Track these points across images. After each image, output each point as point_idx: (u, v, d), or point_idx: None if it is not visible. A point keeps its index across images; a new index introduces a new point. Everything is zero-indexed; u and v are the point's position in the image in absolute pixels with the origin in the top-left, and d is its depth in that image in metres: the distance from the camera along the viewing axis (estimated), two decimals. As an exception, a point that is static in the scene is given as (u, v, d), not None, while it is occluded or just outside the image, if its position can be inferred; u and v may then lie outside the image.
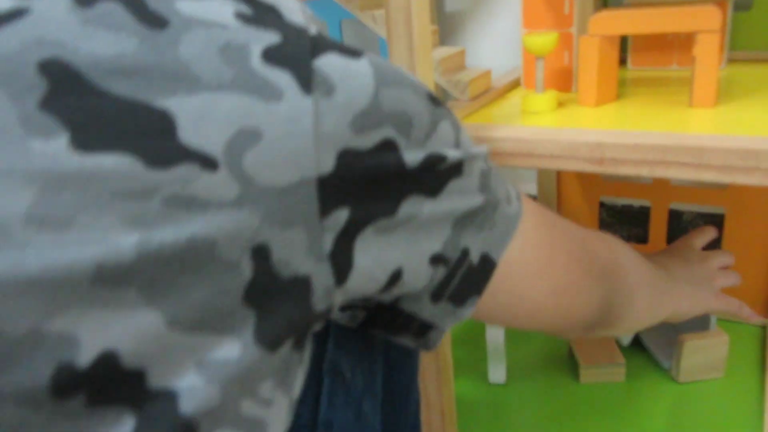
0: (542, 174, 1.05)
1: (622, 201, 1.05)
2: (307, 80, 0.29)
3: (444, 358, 0.72)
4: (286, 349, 0.31)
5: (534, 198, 1.11)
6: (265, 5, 0.31)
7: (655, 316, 0.59)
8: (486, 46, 1.08)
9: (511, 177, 1.12)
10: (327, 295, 0.32)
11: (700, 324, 0.86)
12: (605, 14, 0.65)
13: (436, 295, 0.38)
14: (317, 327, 0.34)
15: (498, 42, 1.07)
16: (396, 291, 0.36)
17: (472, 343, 0.98)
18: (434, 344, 0.43)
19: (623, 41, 0.88)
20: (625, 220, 1.06)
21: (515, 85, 0.81)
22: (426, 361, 0.72)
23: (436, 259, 0.36)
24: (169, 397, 0.26)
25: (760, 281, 0.94)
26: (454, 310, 0.40)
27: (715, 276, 0.69)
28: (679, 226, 1.02)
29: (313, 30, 0.32)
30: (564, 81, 0.75)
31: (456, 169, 0.36)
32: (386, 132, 0.32)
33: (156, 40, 0.27)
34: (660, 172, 0.52)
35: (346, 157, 0.30)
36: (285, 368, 0.31)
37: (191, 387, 0.27)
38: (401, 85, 0.33)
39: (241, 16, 0.30)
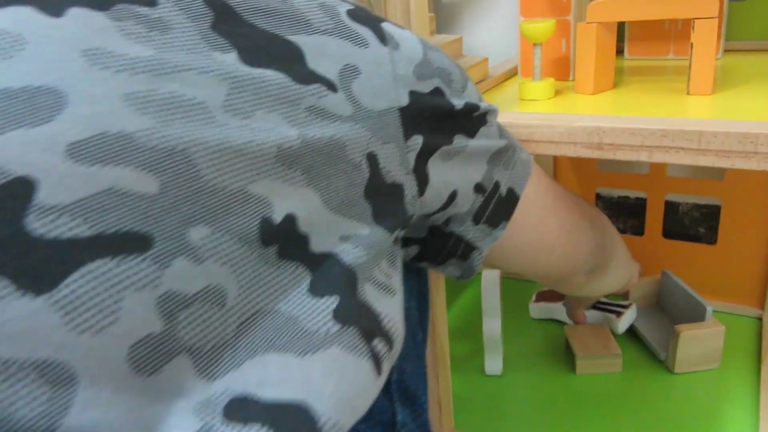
0: (538, 164, 1.04)
1: (618, 192, 1.05)
2: (381, 36, 0.39)
3: (441, 350, 0.72)
4: (393, 238, 0.38)
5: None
6: None
7: (625, 275, 0.71)
8: (482, 35, 1.08)
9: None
10: (413, 203, 0.40)
11: (696, 315, 0.86)
12: (603, 1, 0.64)
13: (477, 217, 0.47)
14: (405, 232, 0.41)
15: (494, 32, 1.07)
16: (450, 211, 0.45)
17: (469, 335, 0.98)
18: (476, 267, 0.51)
19: (620, 31, 0.88)
20: (621, 212, 1.06)
21: (512, 74, 0.81)
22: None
23: (478, 188, 0.46)
24: (330, 256, 0.34)
25: (755, 273, 0.94)
26: (491, 231, 0.48)
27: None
28: (675, 217, 1.02)
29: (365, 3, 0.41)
30: (561, 69, 0.75)
31: (483, 117, 0.45)
32: (436, 82, 0.41)
33: None
34: (659, 157, 0.51)
35: (414, 95, 0.39)
36: (393, 254, 0.39)
37: (344, 249, 0.34)
38: (439, 51, 0.43)
39: None
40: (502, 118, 0.58)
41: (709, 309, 0.84)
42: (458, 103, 0.42)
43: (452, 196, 0.44)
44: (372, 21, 0.39)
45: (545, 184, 0.54)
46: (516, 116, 0.58)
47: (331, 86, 0.34)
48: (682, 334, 0.82)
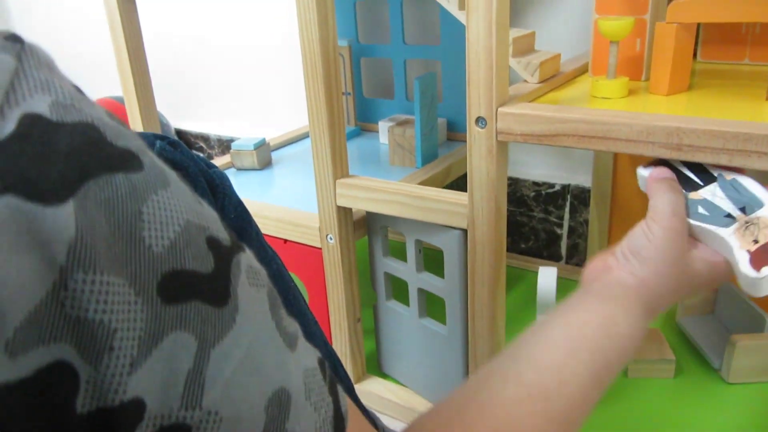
0: (598, 166, 1.04)
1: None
2: None
3: (497, 341, 0.72)
4: None
5: (587, 191, 1.10)
6: None
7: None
8: (553, 29, 1.07)
9: (566, 168, 1.11)
10: None
11: (754, 325, 0.84)
12: (684, 1, 0.64)
13: None
14: None
15: (566, 26, 1.06)
16: None
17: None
18: None
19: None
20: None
21: (583, 71, 0.80)
22: (480, 343, 0.72)
23: None
24: None
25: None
26: None
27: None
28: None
29: None
30: (634, 69, 0.74)
31: None
32: None
33: None
34: (739, 161, 0.51)
35: None
36: None
37: None
38: None
39: None
40: (579, 114, 0.58)
41: (769, 320, 0.82)
42: None
43: None
44: None
45: None
46: (595, 113, 0.58)
47: None
48: (738, 344, 0.81)
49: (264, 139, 1.09)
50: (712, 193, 0.53)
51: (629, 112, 0.57)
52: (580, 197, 1.12)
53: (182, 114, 1.67)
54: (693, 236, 0.53)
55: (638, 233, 0.52)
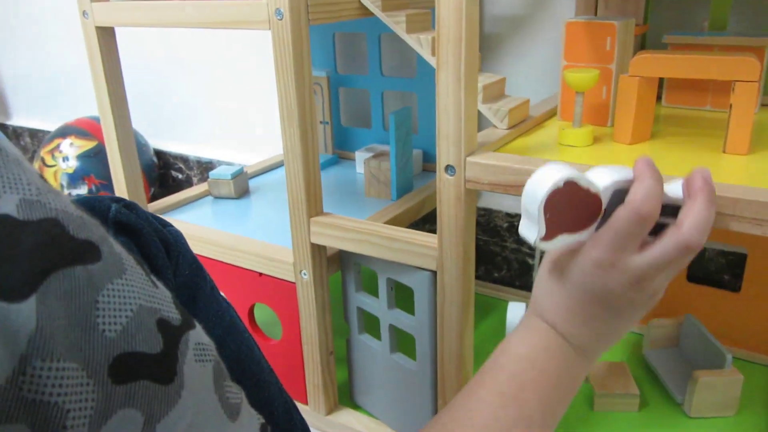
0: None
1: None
2: None
3: (465, 378, 0.74)
4: None
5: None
6: None
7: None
8: (522, 74, 1.10)
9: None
10: None
11: (715, 361, 0.87)
12: (647, 56, 0.66)
13: None
14: None
15: (535, 70, 1.09)
16: None
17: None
18: None
19: (660, 79, 0.89)
20: (646, 252, 1.07)
21: (552, 114, 0.83)
22: (449, 382, 0.74)
23: None
24: None
25: (777, 323, 0.95)
26: None
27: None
28: (701, 262, 1.03)
29: None
30: (601, 115, 0.77)
31: None
32: None
33: None
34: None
35: None
36: None
37: None
38: None
39: None
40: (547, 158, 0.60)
41: (729, 357, 0.85)
42: None
43: None
44: None
45: None
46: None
47: None
48: (700, 380, 0.83)
49: (242, 168, 1.10)
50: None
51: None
52: (552, 229, 1.14)
53: (162, 135, 1.67)
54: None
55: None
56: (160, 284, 0.32)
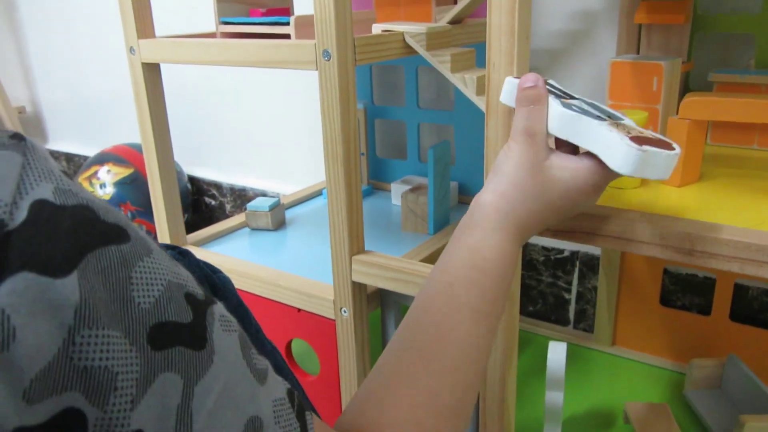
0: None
1: (686, 270, 1.04)
2: None
3: (507, 421, 0.73)
4: None
5: (596, 258, 1.11)
6: None
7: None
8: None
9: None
10: None
11: (761, 404, 0.85)
12: (696, 100, 0.66)
13: None
14: None
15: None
16: None
17: (530, 404, 0.98)
18: None
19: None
20: (687, 289, 1.06)
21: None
22: (490, 424, 0.73)
23: None
24: None
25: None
26: None
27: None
28: (744, 300, 1.01)
29: None
30: (646, 156, 0.76)
31: None
32: None
33: None
34: (751, 270, 0.52)
35: None
36: None
37: None
38: None
39: None
40: (591, 210, 0.59)
41: (777, 401, 0.83)
42: None
43: None
44: None
45: None
46: (609, 211, 0.60)
47: None
48: (746, 425, 0.81)
49: (278, 200, 1.11)
50: (580, 102, 0.56)
51: (643, 213, 0.59)
52: (589, 264, 1.13)
53: (196, 161, 1.69)
54: (560, 143, 0.56)
55: (500, 152, 0.55)
56: (181, 266, 0.34)
